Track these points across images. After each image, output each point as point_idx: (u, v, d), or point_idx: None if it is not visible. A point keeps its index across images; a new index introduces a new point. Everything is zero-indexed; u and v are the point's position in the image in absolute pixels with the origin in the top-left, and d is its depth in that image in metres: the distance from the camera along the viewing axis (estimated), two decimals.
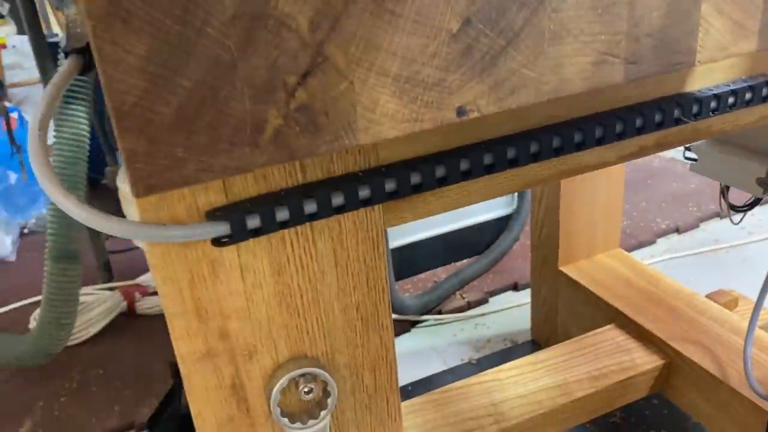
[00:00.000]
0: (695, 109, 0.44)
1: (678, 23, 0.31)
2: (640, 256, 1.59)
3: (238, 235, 0.35)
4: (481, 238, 1.58)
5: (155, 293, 1.54)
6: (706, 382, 0.93)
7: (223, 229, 0.34)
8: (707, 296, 1.13)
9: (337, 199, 0.36)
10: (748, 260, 1.52)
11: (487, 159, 0.39)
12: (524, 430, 0.89)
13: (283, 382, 0.40)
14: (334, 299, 0.41)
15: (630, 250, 1.60)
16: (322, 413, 0.42)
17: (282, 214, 0.35)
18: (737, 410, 0.89)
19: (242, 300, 0.38)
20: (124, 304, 1.49)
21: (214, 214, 0.34)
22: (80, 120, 0.97)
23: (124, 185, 1.24)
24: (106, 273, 1.58)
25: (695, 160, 0.82)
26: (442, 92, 0.28)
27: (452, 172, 0.39)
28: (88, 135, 1.00)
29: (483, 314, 1.42)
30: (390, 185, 0.37)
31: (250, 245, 0.36)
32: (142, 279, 1.56)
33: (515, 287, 1.49)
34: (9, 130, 1.72)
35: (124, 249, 1.76)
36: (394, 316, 1.36)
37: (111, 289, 1.53)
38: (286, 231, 0.37)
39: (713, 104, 0.44)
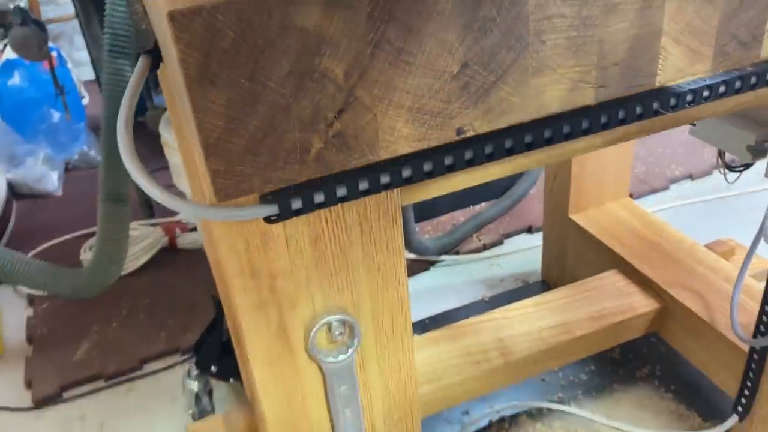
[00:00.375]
0: (673, 101, 0.51)
1: (641, 54, 0.38)
2: (653, 201, 1.66)
3: (284, 214, 0.44)
4: (499, 183, 1.66)
5: (194, 229, 1.66)
6: (696, 326, 1.02)
7: (273, 209, 0.44)
8: (706, 246, 1.21)
9: (363, 185, 0.45)
10: (757, 208, 1.58)
11: (488, 149, 0.48)
12: (527, 364, 1.00)
13: (319, 326, 0.51)
14: (359, 262, 0.50)
15: (643, 195, 1.67)
16: (350, 350, 0.52)
17: (318, 198, 0.44)
18: (722, 351, 0.98)
19: (287, 263, 0.48)
20: (166, 239, 1.62)
21: (266, 199, 0.43)
22: (125, 72, 1.05)
23: (167, 134, 1.35)
24: (148, 209, 1.70)
25: (694, 125, 0.88)
26: (444, 118, 0.36)
27: (458, 161, 0.47)
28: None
29: (498, 255, 1.52)
30: (406, 173, 0.46)
31: (293, 221, 0.46)
32: (182, 216, 1.68)
33: (529, 230, 1.58)
34: (53, 72, 1.81)
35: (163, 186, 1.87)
36: (414, 256, 1.46)
37: (153, 225, 1.65)
38: (321, 210, 0.46)
39: (689, 97, 0.51)
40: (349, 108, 0.33)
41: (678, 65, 0.40)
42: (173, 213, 1.70)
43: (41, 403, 1.26)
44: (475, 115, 0.37)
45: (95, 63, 1.93)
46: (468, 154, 0.47)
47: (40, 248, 1.71)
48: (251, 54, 0.30)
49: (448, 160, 0.47)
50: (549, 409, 1.13)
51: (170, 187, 1.72)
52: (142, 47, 0.51)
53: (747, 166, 0.93)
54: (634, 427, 1.07)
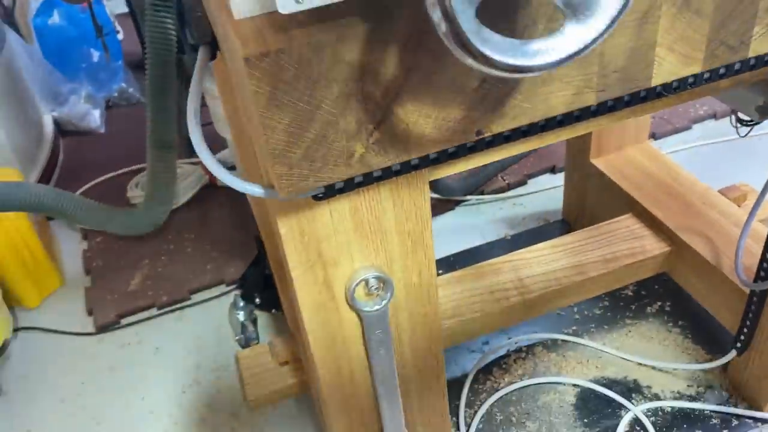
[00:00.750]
0: (659, 89, 0.56)
1: (637, 62, 0.43)
2: (675, 141, 1.70)
3: (329, 193, 0.52)
4: None
5: (233, 168, 1.75)
6: (703, 268, 1.10)
7: (320, 190, 0.52)
8: (720, 190, 1.26)
9: (396, 167, 0.52)
10: None
11: (506, 133, 0.55)
12: (543, 302, 1.09)
13: (357, 282, 0.60)
14: (392, 228, 0.58)
15: (666, 135, 1.70)
16: (384, 302, 0.61)
17: (357, 179, 0.52)
18: (725, 292, 1.06)
19: (331, 230, 0.57)
20: (206, 177, 1.71)
21: None
22: (168, 25, 1.11)
23: (208, 84, 1.41)
24: (188, 149, 1.79)
25: None
26: (466, 123, 0.43)
27: (479, 144, 0.55)
28: (174, 38, 1.14)
29: (521, 195, 1.59)
30: (433, 155, 0.53)
31: (336, 197, 0.54)
32: (221, 155, 1.76)
33: (553, 170, 1.64)
34: (92, 13, 1.87)
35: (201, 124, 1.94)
36: (439, 196, 1.54)
37: (194, 163, 1.75)
38: (360, 188, 0.54)
39: (675, 84, 0.56)
40: (386, 120, 0.41)
41: (671, 69, 0.46)
42: (214, 152, 1.79)
43: (102, 329, 1.40)
44: (492, 119, 0.44)
45: None
46: (488, 138, 0.54)
47: (88, 185, 1.82)
48: (308, 84, 0.38)
49: (470, 144, 0.54)
50: (563, 341, 1.23)
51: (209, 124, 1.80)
52: (201, 41, 0.58)
53: (756, 123, 0.98)
54: (642, 358, 1.16)
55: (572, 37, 0.33)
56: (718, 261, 1.08)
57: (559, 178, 1.60)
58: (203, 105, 1.44)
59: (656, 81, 0.47)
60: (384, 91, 0.40)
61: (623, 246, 1.15)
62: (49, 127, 1.96)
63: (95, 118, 2.07)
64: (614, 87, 0.42)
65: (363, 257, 0.59)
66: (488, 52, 0.30)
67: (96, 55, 2.12)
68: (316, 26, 0.37)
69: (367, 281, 0.60)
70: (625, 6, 0.33)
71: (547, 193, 1.59)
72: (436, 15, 0.27)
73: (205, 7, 0.60)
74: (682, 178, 1.25)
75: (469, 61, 0.30)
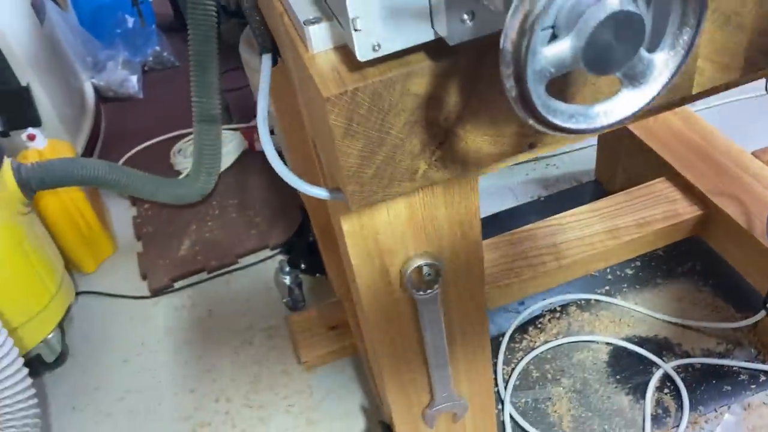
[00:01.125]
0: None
1: (681, 74, 0.46)
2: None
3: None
4: None
5: (271, 132, 1.79)
6: (734, 231, 1.13)
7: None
8: (753, 153, 1.28)
9: None
10: None
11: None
12: (578, 266, 1.14)
13: (412, 269, 0.65)
14: (444, 219, 0.63)
15: None
16: (436, 286, 0.67)
17: None
18: (757, 255, 1.10)
19: (387, 224, 0.62)
20: (246, 143, 1.77)
21: None
22: (208, 3, 1.15)
23: (247, 54, 1.45)
24: (227, 115, 1.84)
25: None
26: (519, 138, 0.47)
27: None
28: (215, 15, 1.17)
29: (553, 155, 1.62)
30: None
31: (394, 199, 0.59)
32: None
33: None
34: None
35: (236, 87, 1.97)
36: None
37: (234, 129, 1.80)
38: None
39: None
40: (447, 141, 0.45)
41: (712, 78, 0.49)
42: (250, 118, 1.83)
43: (156, 292, 1.49)
44: (544, 133, 0.48)
45: None
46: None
47: (132, 152, 1.89)
48: (379, 114, 0.42)
49: None
50: (596, 301, 1.28)
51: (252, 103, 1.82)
52: (264, 47, 0.61)
53: None
54: (673, 317, 1.21)
55: (628, 101, 0.37)
56: (750, 224, 1.11)
57: (592, 139, 1.62)
58: (239, 68, 1.44)
59: (696, 89, 0.50)
60: (446, 116, 0.44)
61: (656, 210, 1.19)
62: (90, 95, 2.02)
63: (133, 83, 2.13)
64: (660, 96, 0.45)
65: (416, 246, 0.64)
66: (555, 121, 0.34)
67: (130, 20, 2.15)
68: (387, 64, 0.41)
69: (420, 268, 0.65)
70: (674, 74, 0.36)
71: (579, 153, 1.61)
72: (508, 83, 0.31)
73: (263, 13, 0.64)
74: (716, 141, 1.26)
75: (532, 122, 0.34)
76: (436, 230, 0.64)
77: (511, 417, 1.11)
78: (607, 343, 1.21)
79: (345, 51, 0.44)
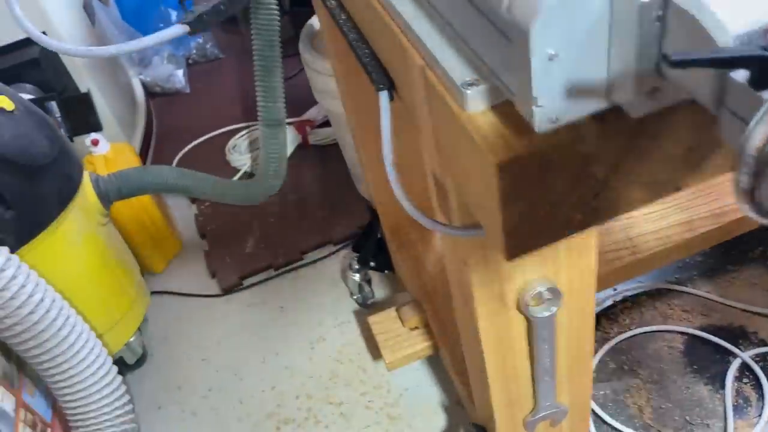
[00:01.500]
0: None
1: None
2: None
3: None
4: None
5: (321, 126, 1.80)
6: None
7: None
8: None
9: None
10: None
11: None
12: (654, 259, 1.14)
13: (533, 292, 0.66)
14: (563, 245, 0.64)
15: None
16: (553, 308, 0.68)
17: None
18: None
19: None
20: (299, 137, 1.78)
21: None
22: (273, 9, 1.15)
23: (307, 54, 1.44)
24: None
25: None
26: (668, 182, 0.48)
27: None
28: (279, 22, 1.17)
29: None
30: None
31: None
32: (310, 114, 1.82)
33: None
34: None
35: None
36: None
37: (287, 124, 1.81)
38: None
39: None
40: (603, 192, 0.46)
41: None
42: (302, 111, 1.84)
43: (227, 290, 1.52)
44: (691, 176, 0.48)
45: None
46: None
47: (186, 148, 1.91)
48: (545, 176, 0.43)
49: None
50: (667, 290, 1.29)
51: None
52: (379, 85, 0.62)
53: None
54: (747, 304, 1.22)
55: None
56: None
57: None
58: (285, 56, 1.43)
59: None
60: (606, 170, 0.45)
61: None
62: (139, 92, 2.04)
63: (179, 78, 2.14)
64: None
65: (535, 271, 0.66)
66: None
67: (173, 14, 2.16)
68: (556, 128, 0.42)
69: (540, 292, 0.67)
70: None
71: None
72: (742, 178, 0.31)
73: (377, 54, 0.65)
74: None
75: (752, 213, 0.34)
76: (556, 256, 0.65)
77: (591, 410, 1.14)
78: (682, 333, 1.22)
79: (504, 111, 0.45)
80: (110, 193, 1.24)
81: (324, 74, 1.31)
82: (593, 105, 0.40)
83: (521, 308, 0.68)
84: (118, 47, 0.59)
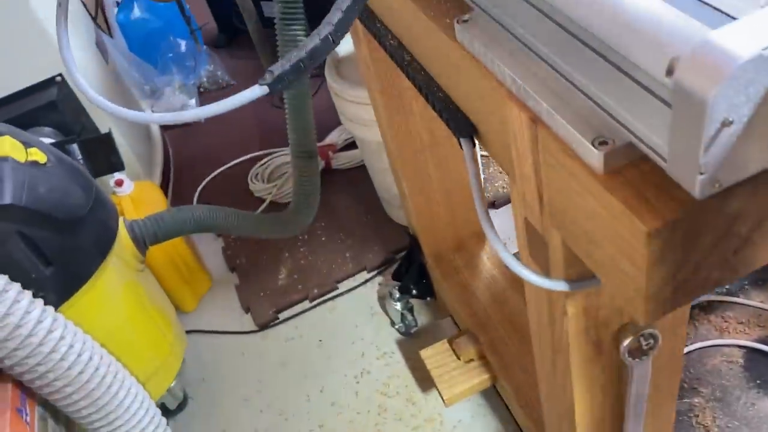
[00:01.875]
0: None
1: None
2: None
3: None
4: None
5: (344, 149, 1.78)
6: None
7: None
8: None
9: None
10: None
11: None
12: None
13: (631, 337, 0.63)
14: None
15: None
16: (652, 352, 0.66)
17: None
18: None
19: (607, 299, 0.60)
20: (323, 162, 1.75)
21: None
22: (299, 38, 1.13)
23: (334, 82, 1.42)
24: None
25: None
26: None
27: None
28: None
29: None
30: None
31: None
32: (330, 138, 1.79)
33: None
34: (181, 8, 1.87)
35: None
36: None
37: None
38: None
39: None
40: (743, 248, 0.43)
41: None
42: (321, 135, 1.81)
43: (263, 326, 1.49)
44: None
45: None
46: None
47: (207, 180, 1.88)
48: (693, 237, 0.41)
49: None
50: (719, 302, 1.26)
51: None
52: (461, 134, 0.59)
53: None
54: None
55: None
56: None
57: None
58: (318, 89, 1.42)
59: None
60: (749, 227, 0.42)
61: None
62: (154, 125, 2.01)
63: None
64: None
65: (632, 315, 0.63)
66: None
67: (183, 44, 2.13)
68: None
69: (639, 338, 0.64)
70: None
71: None
72: None
73: (456, 103, 0.62)
74: None
75: None
76: (647, 303, 0.62)
77: None
78: (740, 346, 1.19)
79: (641, 170, 0.42)
80: (146, 239, 1.21)
81: (354, 102, 1.29)
82: (755, 166, 0.37)
83: (618, 354, 0.65)
84: (196, 112, 0.56)
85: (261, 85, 0.55)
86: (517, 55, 0.50)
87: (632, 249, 0.42)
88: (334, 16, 0.54)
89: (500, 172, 1.63)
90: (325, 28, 0.54)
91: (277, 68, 0.54)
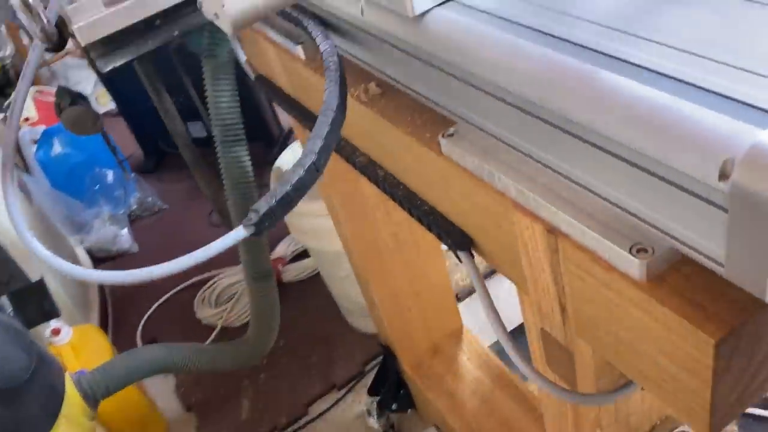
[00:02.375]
0: None
1: None
2: None
3: None
4: None
5: (293, 260, 1.72)
6: None
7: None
8: None
9: None
10: None
11: None
12: None
13: None
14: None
15: None
16: None
17: None
18: None
19: (640, 401, 0.56)
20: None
21: None
22: (242, 159, 1.09)
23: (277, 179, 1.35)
24: None
25: None
26: None
27: None
28: (251, 169, 1.12)
29: None
30: None
31: None
32: (279, 251, 1.73)
33: None
34: (106, 139, 1.82)
35: None
36: None
37: None
38: None
39: None
40: None
41: None
42: (273, 245, 1.75)
43: None
44: None
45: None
46: None
47: (149, 313, 1.77)
48: (754, 342, 0.38)
49: None
50: None
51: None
52: (457, 246, 0.56)
53: None
54: None
55: None
56: None
57: None
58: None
59: None
60: None
61: None
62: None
63: (125, 238, 2.02)
64: None
65: (660, 412, 0.59)
66: None
67: (110, 174, 2.05)
68: None
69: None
70: None
71: None
72: None
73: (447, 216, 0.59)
74: None
75: None
76: (685, 403, 0.59)
77: None
78: None
79: (683, 274, 0.39)
80: (97, 393, 1.09)
81: (310, 216, 1.25)
82: None
83: None
84: (177, 263, 0.50)
85: (246, 226, 0.50)
86: (519, 165, 0.48)
87: (694, 361, 0.38)
88: (315, 144, 0.51)
89: (457, 264, 1.61)
90: (307, 158, 0.51)
91: (263, 206, 0.50)
